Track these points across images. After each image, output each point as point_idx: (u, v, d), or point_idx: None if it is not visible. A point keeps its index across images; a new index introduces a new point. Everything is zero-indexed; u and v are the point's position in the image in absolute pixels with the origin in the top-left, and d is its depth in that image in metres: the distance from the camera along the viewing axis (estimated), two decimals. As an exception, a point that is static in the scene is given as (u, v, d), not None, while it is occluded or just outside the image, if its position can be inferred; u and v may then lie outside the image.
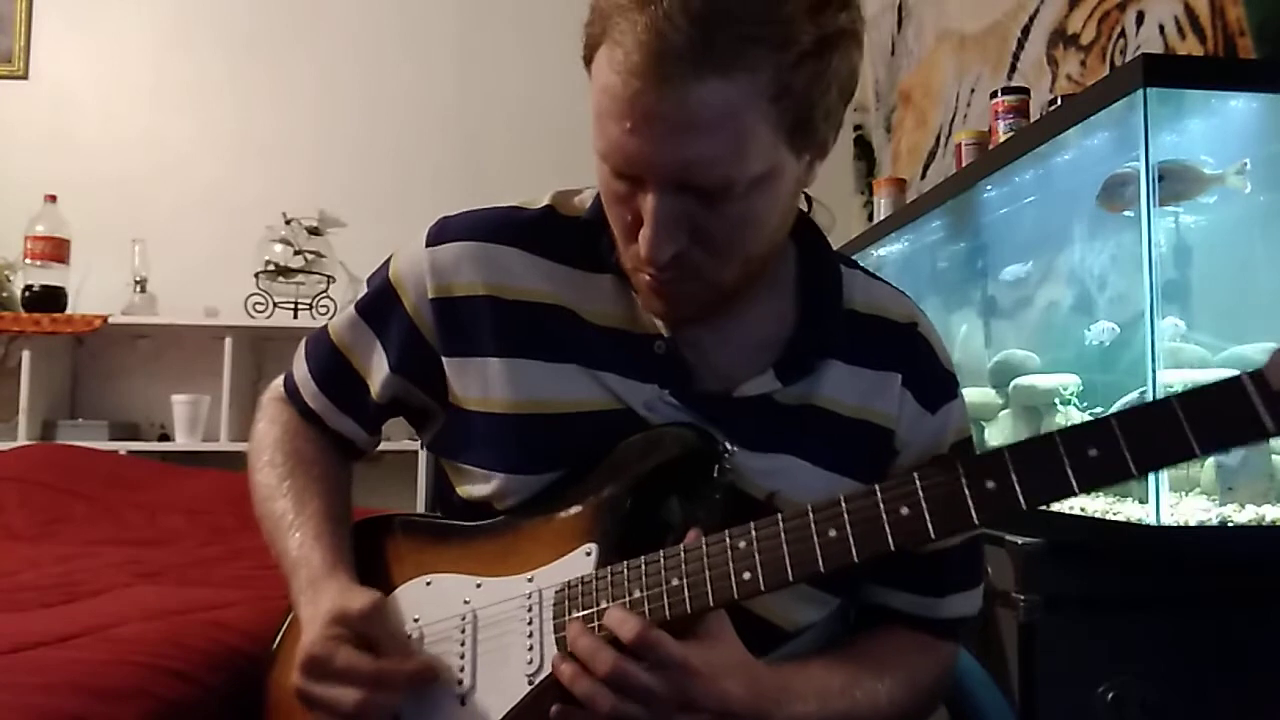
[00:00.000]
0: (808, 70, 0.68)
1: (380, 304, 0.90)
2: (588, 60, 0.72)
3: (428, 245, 0.88)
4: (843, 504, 0.68)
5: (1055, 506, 1.31)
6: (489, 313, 0.85)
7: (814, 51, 0.68)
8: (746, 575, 0.70)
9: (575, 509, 0.80)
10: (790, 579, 0.69)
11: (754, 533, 0.71)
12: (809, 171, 0.78)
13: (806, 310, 0.86)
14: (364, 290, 0.93)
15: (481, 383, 0.85)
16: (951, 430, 0.88)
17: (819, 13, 0.68)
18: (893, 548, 0.67)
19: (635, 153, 0.70)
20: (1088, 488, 0.63)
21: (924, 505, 0.66)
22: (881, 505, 0.67)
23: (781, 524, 0.70)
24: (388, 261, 0.91)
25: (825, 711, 0.75)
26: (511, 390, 0.83)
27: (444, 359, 0.86)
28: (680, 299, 0.79)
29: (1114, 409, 0.67)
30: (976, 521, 0.65)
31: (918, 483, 0.67)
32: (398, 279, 0.89)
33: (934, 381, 0.88)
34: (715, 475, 0.78)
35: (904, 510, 0.67)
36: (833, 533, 0.68)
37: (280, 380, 1.00)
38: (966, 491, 0.65)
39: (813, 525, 0.69)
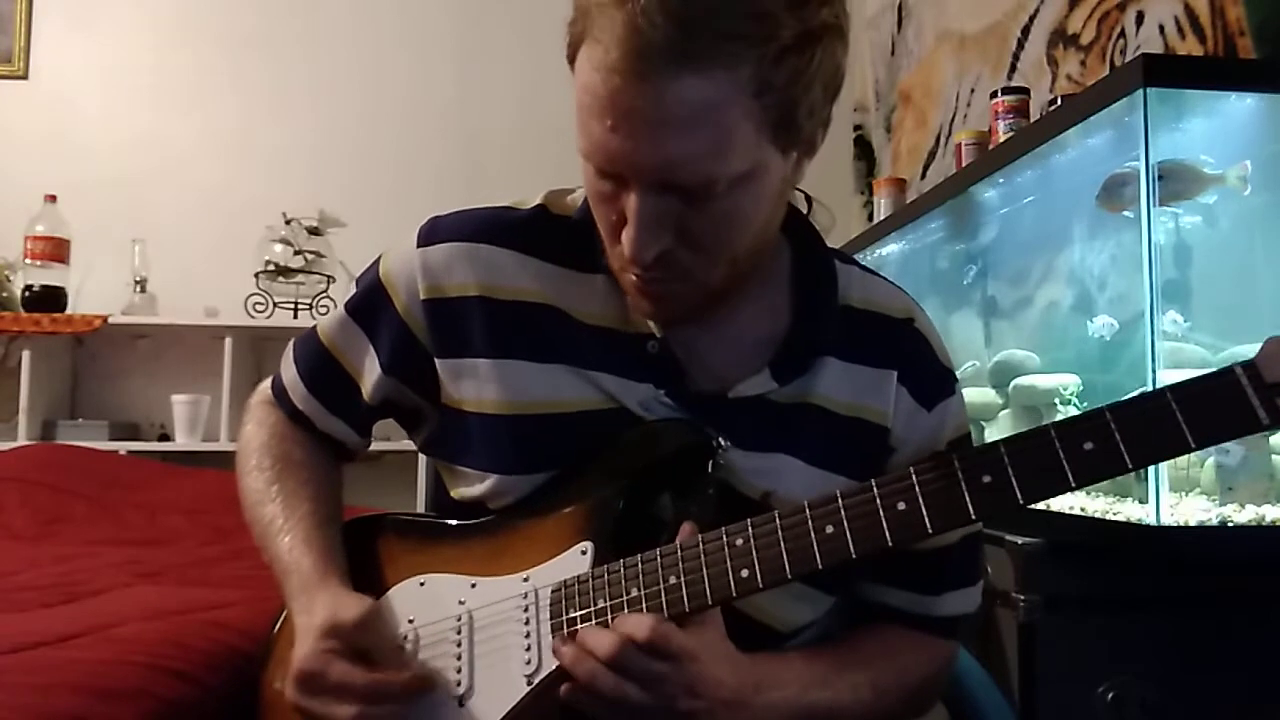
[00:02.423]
0: (789, 66, 0.67)
1: (370, 304, 0.89)
2: (571, 59, 0.72)
3: (419, 245, 0.87)
4: (839, 500, 0.68)
5: (1055, 506, 1.32)
6: (481, 313, 0.84)
7: (795, 47, 0.67)
8: (744, 573, 0.70)
9: (569, 507, 0.80)
10: (788, 576, 0.69)
11: (751, 530, 0.70)
12: (797, 169, 0.77)
13: (801, 307, 0.85)
14: (353, 291, 0.92)
15: (474, 384, 0.84)
16: (949, 428, 0.87)
17: (800, 7, 0.67)
18: (890, 543, 0.67)
19: (616, 151, 0.69)
20: (1085, 482, 0.63)
21: (920, 501, 0.66)
22: (879, 501, 0.67)
23: (779, 521, 0.70)
24: (377, 261, 0.90)
25: (804, 698, 0.75)
26: (504, 391, 0.83)
27: (436, 360, 0.86)
28: (667, 299, 0.78)
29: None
30: (973, 516, 0.65)
31: (914, 478, 0.67)
32: (388, 279, 0.88)
33: (931, 378, 0.87)
34: (709, 470, 0.78)
35: (901, 506, 0.67)
36: (830, 529, 0.68)
37: (267, 383, 0.99)
38: (963, 487, 0.65)
39: (810, 522, 0.69)
